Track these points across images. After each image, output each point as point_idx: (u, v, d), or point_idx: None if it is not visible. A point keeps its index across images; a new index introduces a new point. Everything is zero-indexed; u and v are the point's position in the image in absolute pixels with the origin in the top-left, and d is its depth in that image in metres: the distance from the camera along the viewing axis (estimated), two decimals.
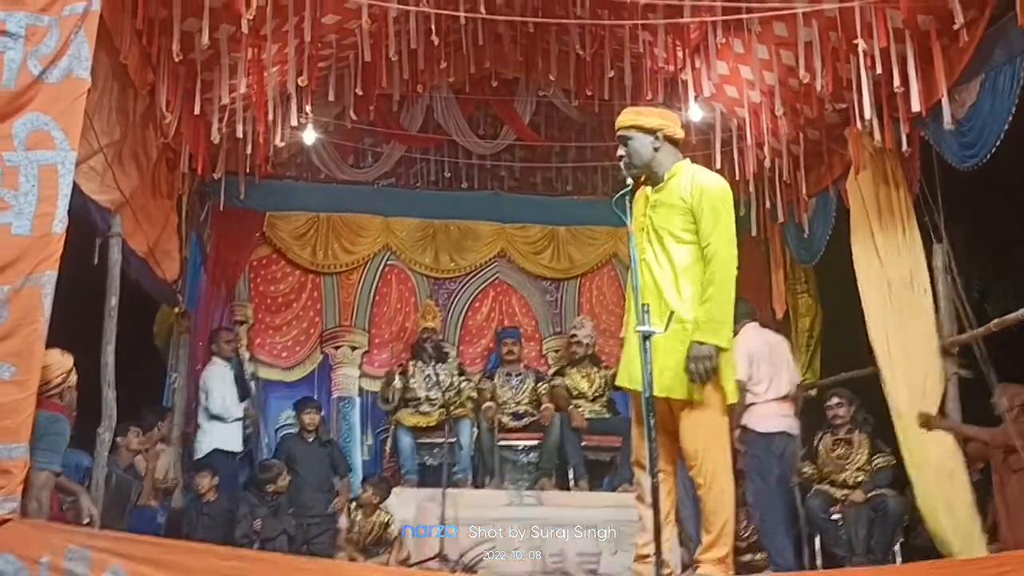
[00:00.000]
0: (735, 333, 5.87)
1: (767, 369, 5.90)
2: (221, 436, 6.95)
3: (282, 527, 6.18)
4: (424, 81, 7.44)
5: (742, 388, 5.75)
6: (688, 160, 3.96)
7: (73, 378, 4.35)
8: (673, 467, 3.92)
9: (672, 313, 3.50)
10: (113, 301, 5.13)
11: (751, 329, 6.10)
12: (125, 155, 5.45)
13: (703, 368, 3.55)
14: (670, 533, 3.83)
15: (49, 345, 3.87)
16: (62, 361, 4.26)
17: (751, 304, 6.37)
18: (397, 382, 7.37)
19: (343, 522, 6.38)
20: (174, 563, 3.27)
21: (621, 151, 3.85)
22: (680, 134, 3.98)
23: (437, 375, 7.21)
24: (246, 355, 7.41)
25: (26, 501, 3.67)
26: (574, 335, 7.72)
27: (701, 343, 3.57)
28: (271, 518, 6.23)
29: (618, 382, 3.99)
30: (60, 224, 3.56)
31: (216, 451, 6.89)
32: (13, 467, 3.37)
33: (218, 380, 7.02)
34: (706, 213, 3.70)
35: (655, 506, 3.17)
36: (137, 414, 6.40)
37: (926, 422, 5.77)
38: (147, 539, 3.52)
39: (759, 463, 5.73)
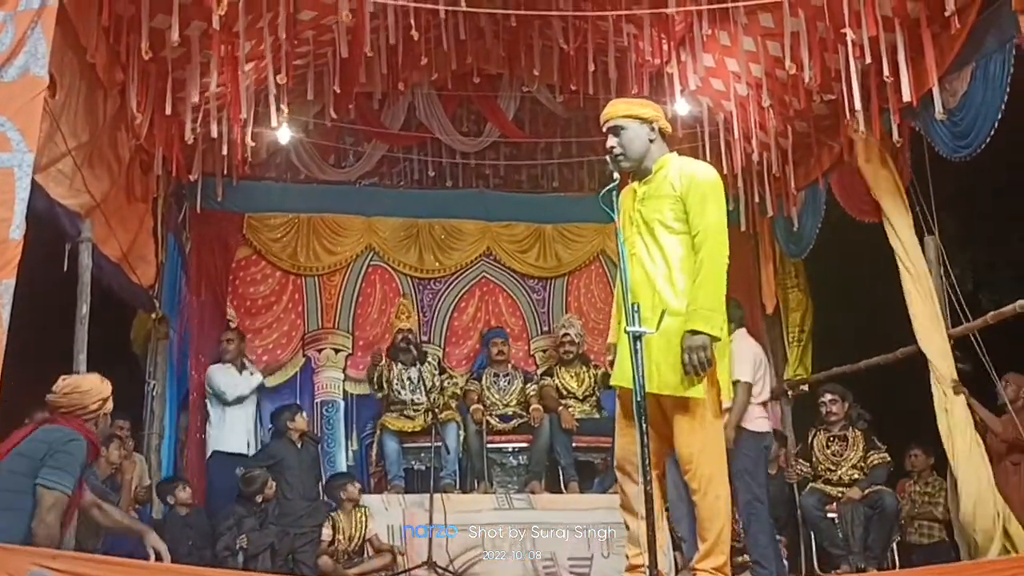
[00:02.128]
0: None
1: (762, 373, 5.88)
2: (221, 436, 6.87)
3: (268, 541, 6.02)
4: (405, 78, 7.28)
5: (749, 390, 5.75)
6: (675, 153, 3.84)
7: (109, 406, 4.11)
8: (661, 470, 3.78)
9: (664, 312, 3.35)
10: (84, 308, 4.95)
11: (746, 334, 6.07)
12: (95, 158, 5.27)
13: (697, 359, 3.37)
14: (661, 540, 3.70)
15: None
16: (100, 387, 4.04)
17: (743, 309, 6.35)
18: (383, 363, 7.24)
19: (326, 533, 6.22)
20: None
21: (612, 142, 3.68)
22: (669, 127, 3.86)
23: (421, 375, 7.08)
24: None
25: (32, 524, 3.54)
26: (566, 334, 7.58)
27: (694, 332, 3.41)
28: (257, 531, 6.07)
29: (613, 381, 3.78)
30: (18, 230, 3.39)
31: (216, 453, 6.76)
32: None
33: (219, 370, 7.08)
34: (695, 201, 3.58)
35: (648, 516, 3.02)
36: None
37: (956, 388, 5.69)
38: (112, 560, 3.35)
39: (752, 463, 5.62)
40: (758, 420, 5.88)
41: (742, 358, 5.86)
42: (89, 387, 4.00)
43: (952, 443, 5.58)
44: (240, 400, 7.02)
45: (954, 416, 5.59)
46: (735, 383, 5.65)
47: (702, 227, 3.55)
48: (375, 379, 7.26)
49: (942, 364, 5.77)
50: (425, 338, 8.07)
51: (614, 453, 3.72)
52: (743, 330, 6.09)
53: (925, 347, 5.82)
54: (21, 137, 3.40)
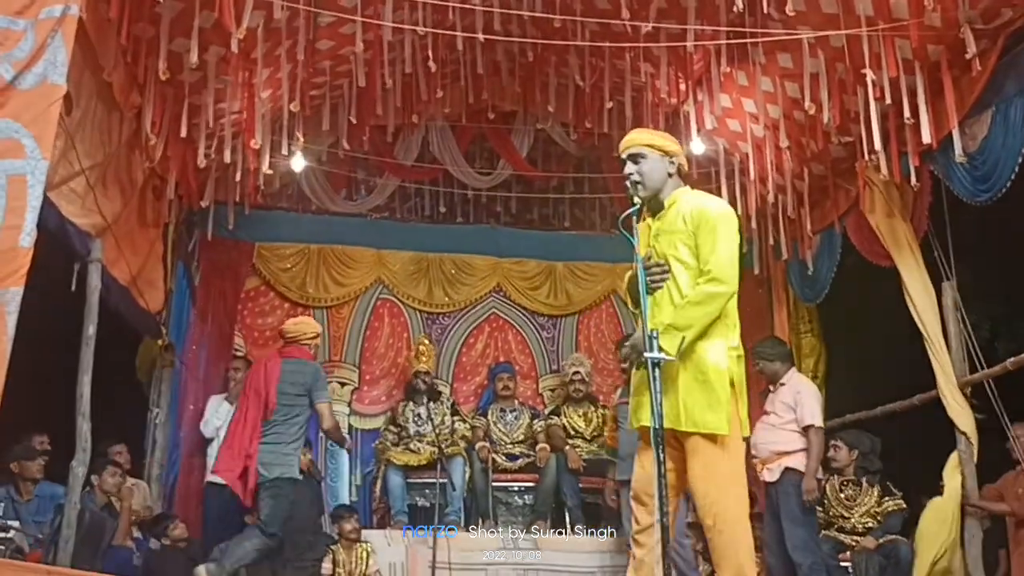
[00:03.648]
0: (780, 376, 5.88)
1: None
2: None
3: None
4: (420, 111, 7.28)
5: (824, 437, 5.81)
6: (688, 187, 3.79)
7: (318, 342, 5.72)
8: (676, 504, 3.68)
9: (683, 338, 3.26)
10: (91, 329, 4.87)
11: (799, 373, 6.20)
12: (109, 179, 5.25)
13: (631, 356, 3.51)
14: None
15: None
16: (316, 326, 5.72)
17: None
18: (392, 427, 7.28)
19: (327, 567, 6.07)
20: None
21: (631, 168, 3.64)
22: (686, 165, 3.83)
23: (429, 411, 6.99)
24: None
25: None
26: (576, 373, 7.51)
27: (651, 338, 3.32)
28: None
29: (633, 424, 3.61)
30: (28, 237, 3.34)
31: (209, 484, 6.64)
32: None
33: (213, 401, 6.99)
34: (705, 235, 3.54)
35: (664, 546, 2.92)
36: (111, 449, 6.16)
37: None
38: None
39: (803, 507, 5.57)
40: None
41: (813, 401, 5.77)
42: (309, 321, 5.86)
43: None
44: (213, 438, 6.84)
45: None
46: (807, 428, 5.65)
47: (712, 262, 3.49)
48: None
49: (958, 416, 5.69)
50: (435, 377, 7.97)
51: (631, 482, 3.61)
52: (794, 368, 6.06)
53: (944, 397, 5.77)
54: (35, 144, 3.36)
